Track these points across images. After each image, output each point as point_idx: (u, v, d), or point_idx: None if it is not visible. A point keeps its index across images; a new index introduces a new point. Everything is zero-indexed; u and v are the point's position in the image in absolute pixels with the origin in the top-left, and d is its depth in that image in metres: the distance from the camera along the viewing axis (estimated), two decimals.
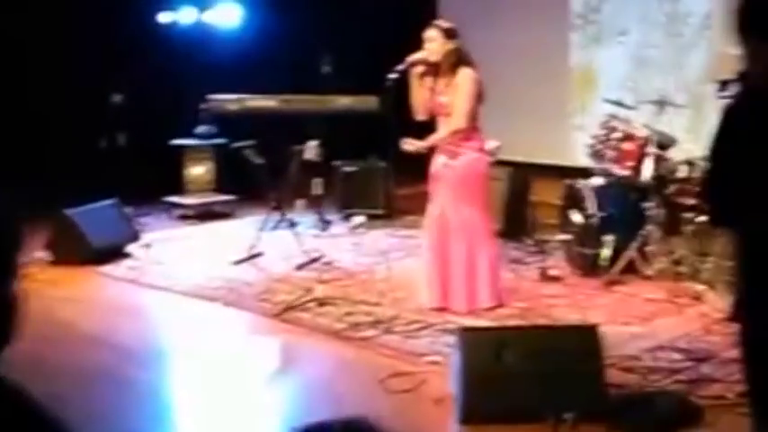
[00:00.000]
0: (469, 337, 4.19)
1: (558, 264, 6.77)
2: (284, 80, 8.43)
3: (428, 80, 5.71)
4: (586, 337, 4.15)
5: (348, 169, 8.75)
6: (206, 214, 9.02)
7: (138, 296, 6.45)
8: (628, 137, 6.40)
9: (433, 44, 5.68)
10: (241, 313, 5.99)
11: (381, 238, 7.88)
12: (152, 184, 8.84)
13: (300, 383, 4.86)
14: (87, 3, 8.92)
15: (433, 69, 5.70)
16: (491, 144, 7.01)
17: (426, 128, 5.86)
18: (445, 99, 5.66)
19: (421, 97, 5.73)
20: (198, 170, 9.27)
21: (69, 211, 7.28)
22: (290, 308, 5.92)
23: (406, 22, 6.97)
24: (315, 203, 8.36)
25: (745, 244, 2.75)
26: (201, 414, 4.63)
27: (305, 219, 8.43)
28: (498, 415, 4.07)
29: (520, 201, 7.81)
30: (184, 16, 9.62)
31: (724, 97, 3.78)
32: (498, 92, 6.42)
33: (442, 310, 5.72)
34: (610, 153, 6.51)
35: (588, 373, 4.04)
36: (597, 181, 6.58)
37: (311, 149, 6.23)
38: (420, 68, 5.71)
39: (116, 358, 5.14)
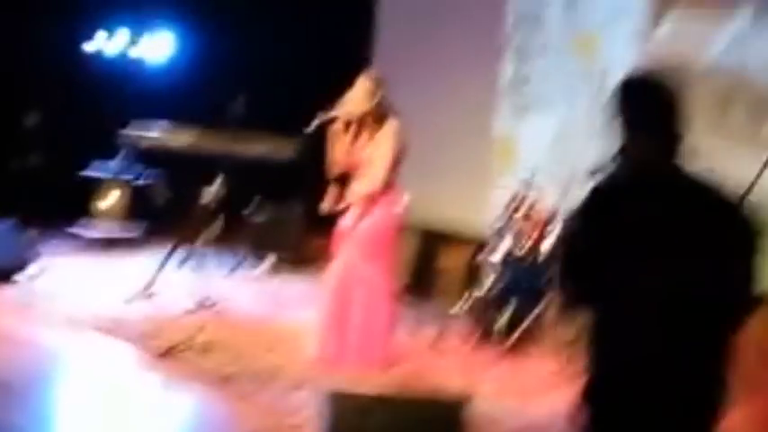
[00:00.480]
0: (335, 400, 4.04)
1: (456, 331, 6.68)
2: (205, 117, 8.29)
3: (351, 131, 5.62)
4: (452, 410, 4.03)
5: (262, 213, 8.62)
6: (111, 245, 8.78)
7: (17, 325, 6.18)
8: (529, 216, 6.44)
9: (360, 95, 5.60)
10: (114, 353, 5.77)
11: (287, 284, 7.74)
12: (61, 210, 8.62)
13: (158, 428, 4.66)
14: (16, 22, 8.73)
15: (357, 122, 5.62)
16: (402, 201, 6.98)
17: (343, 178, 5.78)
18: (366, 152, 5.58)
19: (342, 151, 5.64)
20: (108, 200, 9.04)
21: None
22: (172, 350, 5.73)
23: (336, 67, 6.91)
24: (215, 246, 8.19)
25: (594, 329, 2.72)
26: None
27: (213, 260, 8.26)
28: None
29: (428, 264, 7.75)
30: (111, 46, 9.45)
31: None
32: (419, 153, 6.39)
33: (332, 365, 5.57)
34: (512, 229, 6.51)
35: None
36: (499, 254, 6.53)
37: (211, 193, 6.10)
38: (340, 122, 5.62)
39: None
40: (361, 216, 5.64)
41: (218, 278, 7.79)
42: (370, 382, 5.40)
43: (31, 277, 7.23)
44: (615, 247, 2.62)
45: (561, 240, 3.01)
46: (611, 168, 2.76)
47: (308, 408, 4.81)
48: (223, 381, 5.30)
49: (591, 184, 2.80)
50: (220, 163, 7.06)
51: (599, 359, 2.71)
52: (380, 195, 5.58)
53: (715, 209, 2.63)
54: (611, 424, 2.69)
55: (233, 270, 8.15)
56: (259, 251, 8.52)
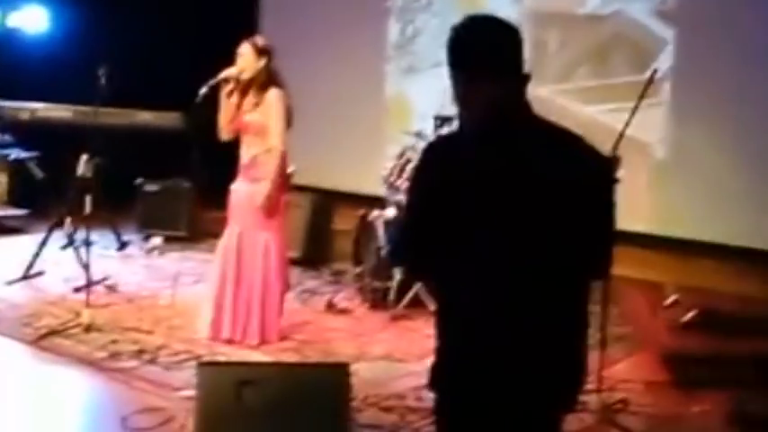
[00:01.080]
0: (208, 372, 3.90)
1: (349, 296, 6.59)
2: (83, 90, 7.98)
3: (235, 97, 5.44)
4: (335, 375, 3.93)
5: (149, 188, 8.37)
6: None
7: None
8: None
9: (245, 60, 5.42)
10: None
11: (177, 261, 7.51)
12: None
13: (40, 416, 4.45)
14: None
15: (242, 86, 5.44)
16: (291, 168, 6.83)
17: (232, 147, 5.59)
18: (251, 118, 5.40)
19: (228, 116, 5.45)
20: None
21: None
22: (51, 333, 5.51)
23: (222, 36, 6.67)
24: (101, 223, 7.93)
25: (438, 303, 2.53)
26: None
27: (100, 238, 8.01)
28: None
29: (320, 229, 7.62)
30: None
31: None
32: (309, 118, 6.23)
33: (223, 340, 5.41)
34: (403, 185, 6.37)
35: (332, 415, 3.81)
36: (390, 213, 6.43)
37: (84, 164, 5.82)
38: (230, 86, 5.43)
39: None
40: (250, 185, 5.46)
41: (105, 256, 7.58)
42: (254, 354, 5.28)
43: None
44: (453, 209, 2.33)
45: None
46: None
47: (191, 384, 4.65)
48: (105, 361, 5.10)
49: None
50: (101, 136, 6.78)
51: (443, 337, 2.44)
52: (269, 163, 5.39)
53: (564, 160, 2.35)
54: (455, 410, 2.42)
55: (120, 248, 7.91)
56: (148, 227, 8.29)
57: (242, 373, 3.92)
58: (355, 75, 8.95)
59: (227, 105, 5.47)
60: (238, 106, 5.46)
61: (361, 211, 6.77)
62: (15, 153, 8.12)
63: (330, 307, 6.32)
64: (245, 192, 5.48)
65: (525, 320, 2.33)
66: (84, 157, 5.91)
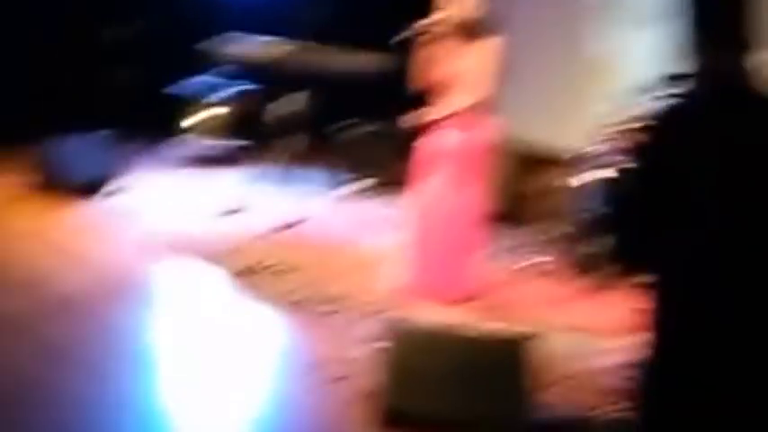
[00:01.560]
0: (397, 329, 3.77)
1: (549, 259, 6.28)
2: (291, 31, 7.97)
3: (442, 45, 5.22)
4: (517, 349, 3.70)
5: (361, 131, 8.32)
6: (212, 160, 8.67)
7: (96, 239, 6.12)
8: (625, 135, 5.85)
9: (455, 5, 5.18)
10: (188, 270, 5.63)
11: (381, 207, 7.44)
12: (151, 126, 8.54)
13: (228, 347, 4.49)
14: None
15: (449, 32, 5.21)
16: (495, 122, 6.55)
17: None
18: (456, 67, 5.17)
19: (430, 62, 5.25)
20: (199, 117, 8.90)
21: (54, 141, 6.98)
22: (247, 271, 5.56)
23: None
24: (304, 164, 7.98)
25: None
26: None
27: (309, 177, 8.09)
28: (416, 420, 3.66)
29: (525, 185, 7.29)
30: None
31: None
32: (516, 70, 5.93)
33: (413, 294, 5.29)
34: (621, 145, 5.95)
35: (511, 390, 3.59)
36: (604, 174, 6.02)
37: (296, 102, 5.75)
38: (436, 30, 5.21)
39: (32, 307, 4.82)
40: (451, 137, 5.25)
41: (306, 198, 7.63)
42: (443, 313, 5.11)
43: (115, 193, 7.17)
44: (688, 195, 2.05)
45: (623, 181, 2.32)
46: (681, 88, 2.22)
47: (374, 339, 4.54)
48: (294, 305, 5.09)
49: (653, 109, 2.27)
50: (310, 77, 6.76)
51: (665, 337, 2.15)
52: (473, 115, 5.17)
53: None
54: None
55: (321, 190, 7.94)
56: (350, 170, 8.26)
57: (426, 336, 3.77)
58: (561, 28, 8.46)
59: (429, 51, 5.24)
60: (444, 55, 5.22)
61: (569, 170, 6.41)
62: (235, 87, 8.26)
63: (527, 269, 6.04)
64: (444, 142, 5.27)
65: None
66: (296, 96, 5.85)
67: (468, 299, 5.31)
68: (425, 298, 5.25)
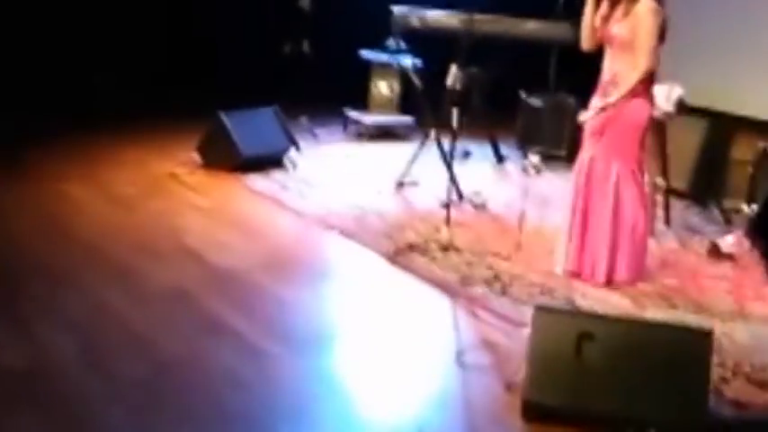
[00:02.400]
0: (546, 318, 3.49)
1: (737, 239, 5.77)
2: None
3: (603, 5, 4.88)
4: (696, 340, 3.34)
5: (532, 103, 8.00)
6: (382, 134, 8.57)
7: (264, 214, 6.11)
8: None
9: None
10: (353, 248, 5.51)
11: (553, 182, 7.10)
12: (333, 96, 8.52)
13: (380, 331, 4.34)
14: None
15: None
16: (676, 91, 6.09)
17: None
18: (619, 29, 4.81)
19: (593, 24, 4.92)
20: (383, 87, 8.80)
21: (224, 115, 7.03)
22: (409, 249, 5.39)
23: None
24: (480, 136, 7.73)
25: None
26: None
27: (478, 150, 7.86)
28: (568, 417, 3.38)
29: (713, 158, 6.76)
30: None
31: None
32: (706, 31, 5.48)
33: (575, 275, 4.99)
34: None
35: (687, 385, 3.25)
36: None
37: (454, 76, 5.52)
38: None
39: (199, 279, 4.84)
40: (607, 105, 4.88)
41: (481, 170, 7.41)
42: (617, 295, 4.77)
43: (289, 165, 7.16)
44: None
45: None
46: None
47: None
48: (455, 284, 4.88)
49: None
50: (478, 46, 6.48)
51: None
52: (636, 84, 4.79)
53: None
54: None
55: (497, 162, 7.68)
56: (527, 143, 7.95)
57: (584, 323, 3.47)
58: None
59: (592, 13, 4.89)
60: (605, 16, 4.86)
61: (762, 143, 5.89)
62: (403, 60, 8.11)
63: (713, 250, 5.57)
64: (603, 112, 4.90)
65: None
66: (453, 68, 5.61)
67: (630, 281, 4.93)
68: (591, 281, 4.93)
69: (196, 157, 7.14)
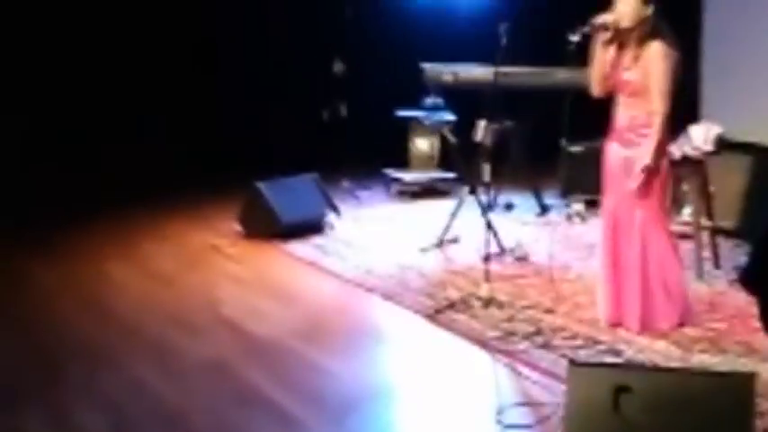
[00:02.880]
0: (581, 373, 3.36)
1: None
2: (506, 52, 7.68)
3: (610, 50, 4.79)
4: (734, 387, 3.19)
5: (573, 150, 7.89)
6: (425, 192, 8.54)
7: (304, 279, 6.08)
8: None
9: (627, 7, 4.73)
10: (393, 308, 5.44)
11: (598, 228, 6.94)
12: (373, 158, 8.54)
13: (418, 393, 4.24)
14: None
15: (621, 38, 4.77)
16: (714, 130, 5.97)
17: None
18: (630, 76, 4.71)
19: (603, 69, 4.83)
20: (422, 144, 8.79)
21: (262, 184, 7.06)
22: (449, 307, 5.30)
23: None
24: (521, 187, 7.65)
25: None
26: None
27: (522, 202, 7.77)
28: None
29: (760, 195, 6.56)
30: None
31: None
32: (745, 68, 5.38)
33: (614, 325, 4.85)
34: None
35: None
36: None
37: (483, 130, 5.47)
38: (606, 35, 4.79)
39: (235, 350, 4.80)
40: (626, 151, 4.77)
41: (524, 222, 7.32)
42: (663, 342, 4.62)
43: (326, 232, 7.14)
44: None
45: None
46: None
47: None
48: (496, 341, 4.77)
49: None
50: (505, 99, 6.44)
51: None
52: (647, 127, 4.68)
53: None
54: None
55: (541, 213, 7.58)
56: (571, 191, 7.83)
57: (620, 376, 3.32)
58: None
59: (601, 58, 4.79)
60: (613, 62, 4.75)
61: None
62: (438, 117, 8.11)
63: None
64: (621, 158, 4.79)
65: None
66: (481, 123, 5.56)
67: (665, 327, 4.76)
68: (632, 327, 4.78)
69: (237, 227, 7.16)
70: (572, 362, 3.48)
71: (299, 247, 6.77)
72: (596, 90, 4.90)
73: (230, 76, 9.22)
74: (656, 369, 3.69)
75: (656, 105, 4.64)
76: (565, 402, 3.37)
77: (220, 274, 6.20)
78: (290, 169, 7.35)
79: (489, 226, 5.80)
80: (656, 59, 4.65)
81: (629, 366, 3.77)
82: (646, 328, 4.75)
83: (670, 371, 3.68)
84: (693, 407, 3.18)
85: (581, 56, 4.85)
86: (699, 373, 3.64)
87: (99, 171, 8.54)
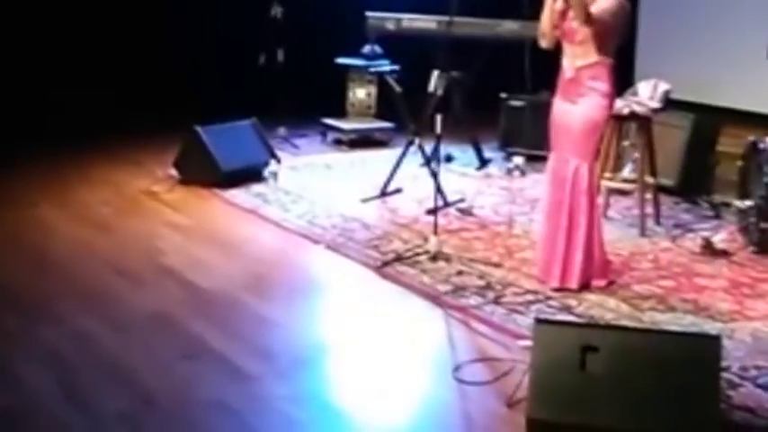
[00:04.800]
0: (547, 332, 3.34)
1: (730, 235, 5.66)
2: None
3: (560, 2, 4.73)
4: (704, 347, 3.20)
5: (513, 103, 7.87)
6: (362, 141, 8.42)
7: (246, 229, 5.94)
8: None
9: None
10: (339, 260, 5.35)
11: (539, 183, 6.94)
12: (310, 105, 8.37)
13: (372, 348, 4.18)
14: None
15: None
16: (662, 86, 5.98)
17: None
18: (578, 24, 4.65)
19: (552, 20, 4.76)
20: (360, 93, 8.66)
21: (201, 129, 6.86)
22: (396, 260, 5.24)
23: None
24: (461, 139, 7.59)
25: None
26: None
27: (462, 154, 7.72)
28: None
29: (701, 153, 6.63)
30: None
31: None
32: (691, 25, 5.38)
33: (542, 282, 4.84)
34: None
35: (697, 393, 3.11)
36: None
37: (436, 80, 5.36)
38: None
39: (180, 301, 4.67)
40: (567, 105, 4.74)
41: (465, 175, 7.28)
42: (615, 299, 4.64)
43: (270, 179, 6.98)
44: None
45: None
46: None
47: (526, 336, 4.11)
48: (446, 295, 4.73)
49: None
50: (458, 49, 6.35)
51: None
52: (592, 79, 4.64)
53: None
54: None
55: (481, 166, 7.54)
56: (510, 144, 7.82)
57: (587, 335, 3.32)
58: None
59: (551, 8, 4.74)
60: (563, 11, 4.70)
61: (752, 136, 5.76)
62: (380, 66, 7.98)
63: (706, 247, 5.44)
64: (564, 112, 4.75)
65: None
66: (435, 73, 5.46)
67: (580, 284, 4.74)
68: (550, 284, 4.77)
69: (174, 173, 6.95)
70: (538, 320, 3.45)
71: (239, 195, 6.62)
72: (544, 41, 4.83)
73: (168, 19, 8.89)
74: (623, 328, 3.70)
75: (602, 54, 4.59)
76: (531, 360, 3.34)
77: (159, 221, 6.02)
78: (227, 114, 7.16)
79: (435, 178, 5.73)
80: (603, 8, 4.58)
81: (596, 325, 3.76)
82: (564, 283, 4.73)
83: (636, 331, 3.68)
84: (660, 367, 3.19)
85: (532, 8, 4.79)
86: (666, 333, 3.65)
87: (34, 114, 8.19)
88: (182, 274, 5.05)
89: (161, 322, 4.39)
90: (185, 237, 5.73)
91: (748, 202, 5.57)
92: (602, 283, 4.80)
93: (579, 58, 4.68)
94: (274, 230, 5.91)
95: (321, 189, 6.82)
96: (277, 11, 8.23)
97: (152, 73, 8.84)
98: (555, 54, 5.00)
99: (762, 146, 5.43)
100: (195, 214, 6.21)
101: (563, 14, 4.71)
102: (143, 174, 7.07)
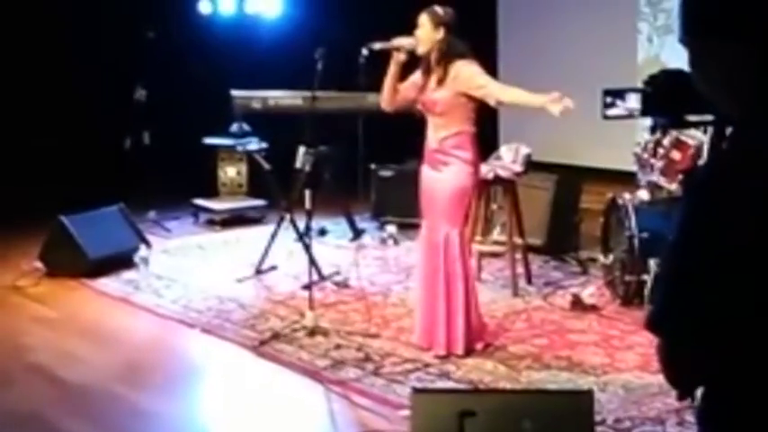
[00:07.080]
0: (425, 401, 3.35)
1: (599, 290, 5.83)
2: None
3: (418, 75, 4.85)
4: (574, 404, 3.27)
5: (383, 174, 7.98)
6: (235, 220, 8.36)
7: (116, 318, 5.79)
8: (678, 144, 5.42)
9: (421, 33, 4.79)
10: (215, 343, 5.27)
11: (412, 251, 7.02)
12: (180, 186, 8.29)
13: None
14: None
15: (425, 63, 4.83)
16: (523, 150, 6.17)
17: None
18: (438, 94, 4.76)
19: (394, 87, 4.87)
20: (231, 172, 8.63)
21: (66, 219, 6.69)
22: (273, 338, 5.19)
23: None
24: (334, 212, 7.65)
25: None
26: None
27: (335, 227, 7.76)
28: None
29: (566, 212, 6.84)
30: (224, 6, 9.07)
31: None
32: (551, 87, 5.52)
33: (427, 349, 4.87)
34: (657, 163, 5.54)
35: None
36: (642, 195, 5.61)
37: (303, 157, 5.41)
38: (402, 56, 4.84)
39: (50, 400, 4.49)
40: (433, 173, 4.84)
41: (339, 247, 7.30)
42: (492, 362, 4.69)
43: (140, 264, 6.83)
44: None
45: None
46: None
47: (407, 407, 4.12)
48: (326, 370, 4.70)
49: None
50: (322, 124, 6.41)
51: None
52: (455, 147, 4.75)
53: None
54: None
55: (354, 237, 7.58)
56: (383, 214, 7.91)
57: (463, 401, 3.34)
58: (604, 35, 8.09)
59: (395, 75, 4.85)
60: (422, 86, 4.83)
61: (610, 193, 5.99)
62: (248, 143, 7.99)
63: (576, 303, 5.59)
64: (433, 180, 4.85)
65: None
66: (301, 150, 5.50)
67: (465, 349, 4.76)
68: (437, 351, 4.80)
69: (39, 265, 6.74)
70: (415, 389, 3.46)
71: (109, 284, 6.46)
72: (386, 104, 4.93)
73: (27, 105, 8.70)
74: (498, 391, 3.74)
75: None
76: (410, 430, 3.34)
77: (25, 317, 5.81)
78: (96, 201, 7.01)
79: (309, 253, 5.73)
80: (464, 67, 4.71)
81: (472, 390, 3.79)
82: (450, 350, 4.76)
83: (511, 392, 3.74)
84: (537, 426, 3.23)
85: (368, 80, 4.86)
86: (539, 392, 3.71)
87: None
88: (52, 370, 4.87)
89: (33, 423, 4.21)
90: (54, 331, 5.55)
91: (612, 257, 5.77)
92: (479, 345, 4.87)
93: (442, 128, 4.78)
94: (148, 317, 5.78)
95: (195, 271, 6.73)
96: (141, 93, 8.16)
97: (13, 163, 8.60)
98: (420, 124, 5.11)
99: (620, 201, 5.64)
100: (64, 307, 6.02)
101: (422, 88, 4.82)
102: (7, 268, 6.82)
